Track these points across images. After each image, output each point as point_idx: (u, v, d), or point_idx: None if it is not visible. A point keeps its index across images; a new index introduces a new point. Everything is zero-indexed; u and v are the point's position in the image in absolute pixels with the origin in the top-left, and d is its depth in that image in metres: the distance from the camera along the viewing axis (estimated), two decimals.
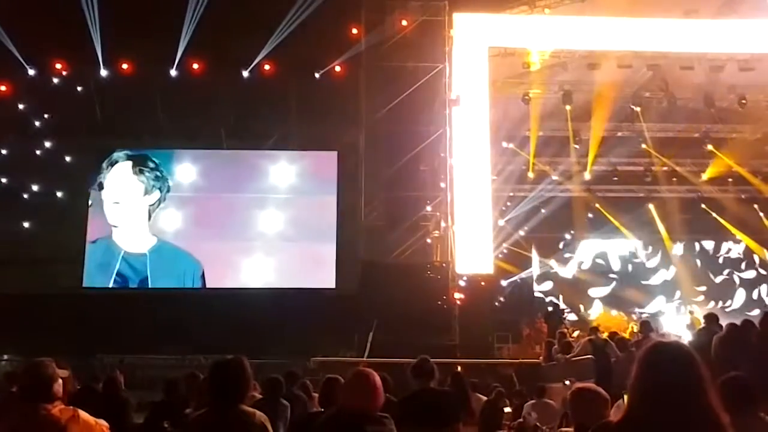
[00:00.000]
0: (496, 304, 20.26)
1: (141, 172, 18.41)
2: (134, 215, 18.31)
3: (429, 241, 18.25)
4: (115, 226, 18.14)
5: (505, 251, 20.73)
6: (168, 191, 18.47)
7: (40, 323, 15.29)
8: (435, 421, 4.84)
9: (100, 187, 18.31)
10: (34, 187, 18.57)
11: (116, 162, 18.48)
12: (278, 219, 18.65)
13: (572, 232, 22.86)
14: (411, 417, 4.67)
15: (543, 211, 21.70)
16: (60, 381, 3.72)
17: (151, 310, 16.28)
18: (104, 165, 18.44)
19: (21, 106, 18.39)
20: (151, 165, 18.48)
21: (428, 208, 18.00)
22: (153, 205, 18.36)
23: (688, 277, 22.74)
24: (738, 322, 9.55)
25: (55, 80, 18.29)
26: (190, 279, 18.28)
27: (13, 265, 17.46)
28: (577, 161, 21.00)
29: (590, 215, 22.36)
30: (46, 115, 18.57)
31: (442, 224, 17.71)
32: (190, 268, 18.24)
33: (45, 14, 16.26)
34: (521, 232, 21.55)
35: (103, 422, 3.78)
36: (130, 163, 18.48)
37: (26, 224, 18.23)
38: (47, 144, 18.69)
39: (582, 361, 11.86)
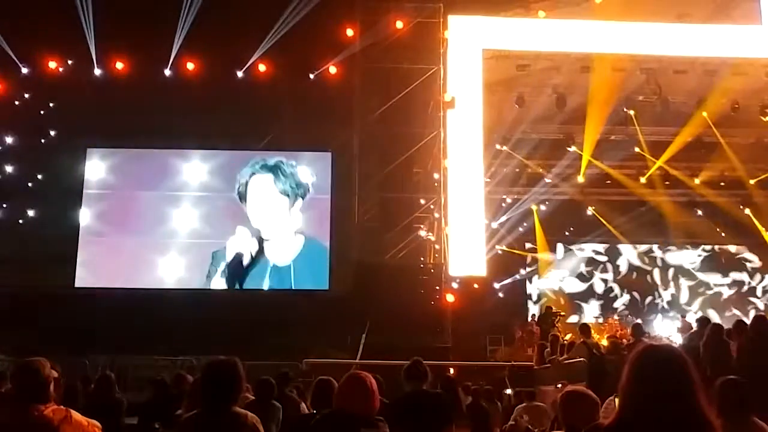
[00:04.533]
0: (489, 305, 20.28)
1: (283, 183, 18.09)
2: (282, 228, 18.03)
3: (422, 242, 18.27)
4: (267, 240, 17.89)
5: (498, 253, 20.78)
6: (306, 193, 18.21)
7: (30, 322, 15.20)
8: (427, 423, 4.84)
9: (241, 197, 18.01)
10: (28, 185, 18.50)
11: (253, 174, 18.19)
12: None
13: (566, 234, 22.95)
14: (403, 419, 4.68)
15: (529, 220, 21.86)
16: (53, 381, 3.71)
17: (142, 311, 16.19)
18: (241, 178, 18.14)
19: (14, 104, 18.32)
20: (288, 171, 18.21)
21: (422, 210, 18.01)
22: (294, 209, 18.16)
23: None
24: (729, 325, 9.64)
25: (48, 79, 18.22)
26: (323, 278, 18.07)
27: (3, 263, 17.37)
28: (570, 164, 21.06)
29: (583, 218, 22.43)
30: (40, 112, 18.50)
31: (436, 226, 17.73)
32: (323, 266, 18.02)
33: (38, 12, 16.22)
34: (514, 235, 21.63)
35: (95, 423, 3.77)
36: (269, 176, 18.18)
37: (18, 222, 18.16)
38: (41, 142, 18.63)
39: (575, 363, 11.89)
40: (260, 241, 17.83)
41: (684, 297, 23.03)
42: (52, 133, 18.59)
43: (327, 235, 18.22)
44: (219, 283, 17.82)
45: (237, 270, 17.77)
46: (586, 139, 20.08)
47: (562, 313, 19.06)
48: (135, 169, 18.85)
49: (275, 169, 18.30)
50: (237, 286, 17.85)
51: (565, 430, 3.94)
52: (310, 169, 18.45)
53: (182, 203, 18.42)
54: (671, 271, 23.23)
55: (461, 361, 14.86)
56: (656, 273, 23.24)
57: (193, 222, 18.33)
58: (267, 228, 17.96)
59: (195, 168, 18.68)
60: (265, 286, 17.86)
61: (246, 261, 17.74)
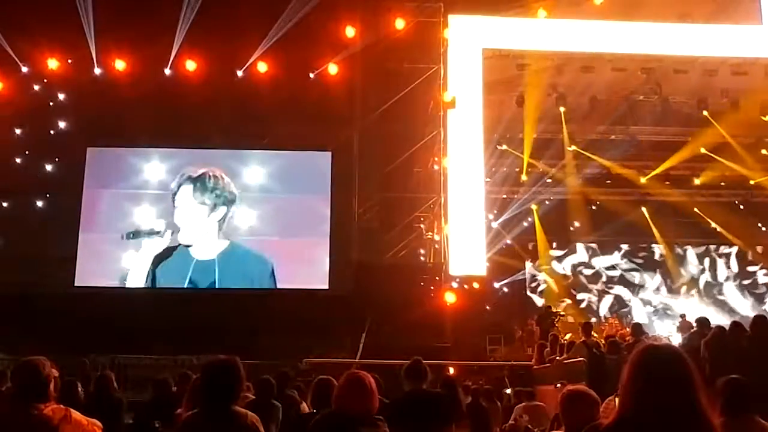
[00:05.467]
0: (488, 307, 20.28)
1: (202, 194, 18.30)
2: (203, 232, 18.18)
3: (423, 241, 18.27)
4: (188, 245, 18.03)
5: (497, 253, 20.77)
6: (234, 200, 18.36)
7: (30, 322, 15.18)
8: (427, 422, 4.84)
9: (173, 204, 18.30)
10: (28, 184, 18.48)
11: (180, 185, 18.39)
12: (271, 219, 18.59)
13: (565, 234, 22.94)
14: (403, 418, 4.68)
15: (529, 219, 21.86)
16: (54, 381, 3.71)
17: (142, 310, 16.19)
18: (172, 187, 18.38)
19: (14, 104, 18.32)
20: (210, 184, 18.37)
21: (422, 210, 18.01)
22: (221, 220, 18.28)
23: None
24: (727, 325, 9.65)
25: (48, 78, 18.22)
26: (259, 279, 18.05)
27: (2, 263, 17.36)
28: (570, 164, 21.04)
29: (583, 218, 22.43)
30: (40, 112, 18.50)
31: (436, 226, 17.72)
32: (258, 267, 18.02)
33: (39, 11, 16.21)
34: (513, 235, 21.63)
35: (95, 422, 3.77)
36: (190, 186, 18.37)
37: (18, 223, 18.16)
38: (41, 140, 18.64)
39: (574, 363, 11.89)
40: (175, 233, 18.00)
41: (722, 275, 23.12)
42: (52, 132, 18.59)
43: (327, 234, 18.13)
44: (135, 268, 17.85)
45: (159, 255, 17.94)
46: (585, 138, 20.11)
47: (562, 313, 19.05)
48: (134, 167, 18.84)
49: (196, 181, 18.39)
50: (154, 271, 17.90)
51: (565, 430, 3.94)
52: (234, 182, 18.56)
53: (180, 202, 18.41)
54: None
55: (461, 360, 14.84)
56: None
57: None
58: (186, 232, 18.03)
59: (186, 166, 18.69)
60: (186, 281, 17.90)
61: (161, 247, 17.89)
